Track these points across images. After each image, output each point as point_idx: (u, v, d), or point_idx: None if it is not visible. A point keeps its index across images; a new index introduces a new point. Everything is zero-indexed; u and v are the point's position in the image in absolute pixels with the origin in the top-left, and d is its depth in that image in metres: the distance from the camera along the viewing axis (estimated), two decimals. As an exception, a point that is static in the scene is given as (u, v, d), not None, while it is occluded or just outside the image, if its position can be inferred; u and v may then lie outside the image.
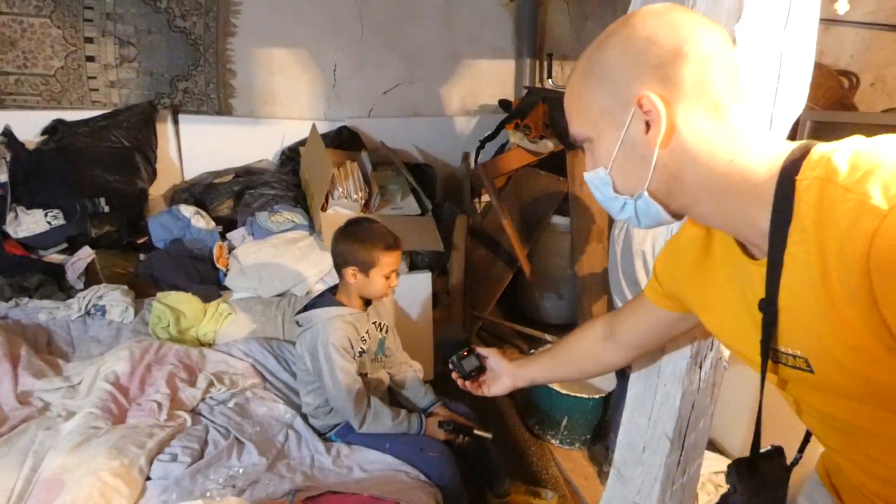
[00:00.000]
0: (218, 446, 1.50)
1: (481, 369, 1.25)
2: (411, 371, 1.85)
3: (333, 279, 2.25)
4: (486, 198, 3.47)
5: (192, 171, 2.87)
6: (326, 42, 3.06)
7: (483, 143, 2.93)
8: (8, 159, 2.23)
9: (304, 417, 1.72)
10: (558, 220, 2.91)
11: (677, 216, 0.70)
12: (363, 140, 3.02)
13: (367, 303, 1.70)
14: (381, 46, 3.16)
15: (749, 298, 0.68)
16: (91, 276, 2.16)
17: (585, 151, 0.72)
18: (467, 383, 1.25)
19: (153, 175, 2.72)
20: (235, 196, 2.62)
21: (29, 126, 2.57)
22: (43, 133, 2.61)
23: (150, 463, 1.40)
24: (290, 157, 2.89)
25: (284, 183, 2.65)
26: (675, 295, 0.87)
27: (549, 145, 2.69)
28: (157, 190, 2.79)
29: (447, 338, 1.33)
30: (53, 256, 2.26)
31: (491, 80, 3.45)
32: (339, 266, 1.61)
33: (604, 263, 2.90)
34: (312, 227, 2.48)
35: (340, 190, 2.44)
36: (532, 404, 2.27)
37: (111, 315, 1.97)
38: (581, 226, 2.86)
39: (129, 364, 1.70)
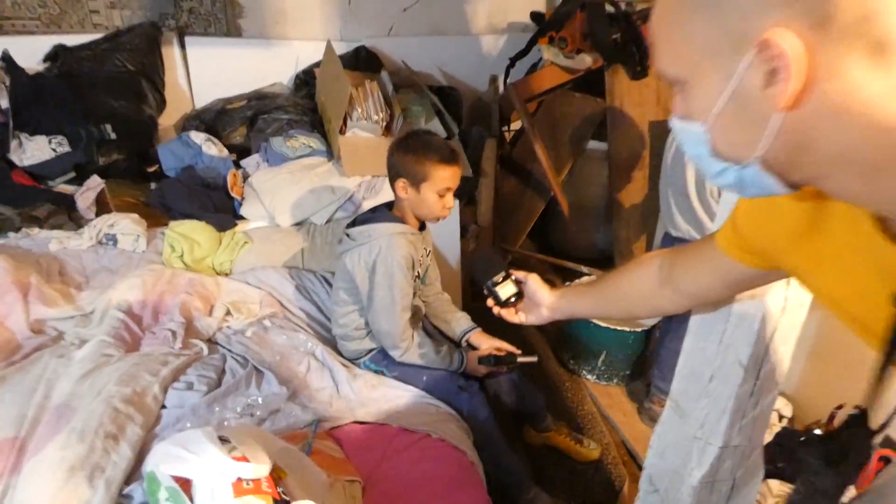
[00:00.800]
0: (236, 375, 1.41)
1: (518, 296, 1.12)
2: (446, 299, 1.73)
3: (353, 206, 2.12)
4: (515, 125, 3.25)
5: (203, 98, 2.70)
6: (340, -48, 2.79)
7: (513, 61, 2.68)
8: (8, 84, 2.09)
9: (331, 344, 1.63)
10: (595, 145, 2.69)
11: (795, 188, 0.52)
12: (383, 62, 2.80)
13: (422, 227, 1.56)
14: (399, -44, 2.88)
15: (887, 284, 0.52)
16: (102, 207, 2.06)
17: (675, 92, 0.53)
18: (502, 311, 1.13)
19: (162, 103, 2.57)
20: (248, 122, 2.46)
21: (29, 53, 2.41)
22: (45, 60, 2.46)
23: (165, 391, 1.31)
24: (306, 80, 2.70)
25: (300, 107, 2.48)
26: (764, 252, 0.71)
27: (586, 60, 2.44)
28: (168, 120, 2.64)
29: (482, 259, 1.18)
30: (63, 187, 2.16)
31: (521, -6, 3.14)
32: (392, 179, 1.49)
33: (644, 193, 2.69)
34: (331, 153, 2.32)
35: (359, 111, 2.25)
36: (567, 337, 2.15)
37: (123, 244, 1.87)
38: (620, 152, 2.64)
39: (142, 292, 1.60)
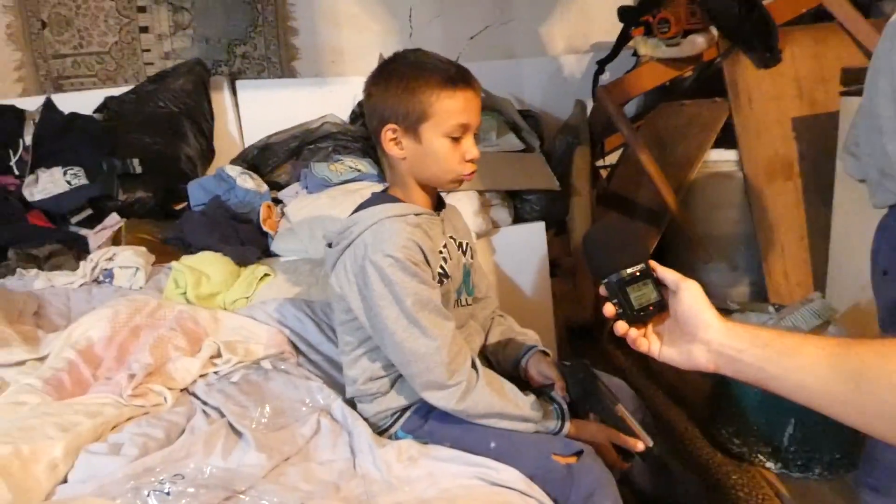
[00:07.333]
0: (195, 434, 0.89)
1: (660, 307, 0.70)
2: (508, 325, 1.16)
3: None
4: (609, 160, 2.74)
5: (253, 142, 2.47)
6: (398, -16, 2.59)
7: (601, 65, 2.22)
8: (36, 120, 1.93)
9: (353, 406, 1.08)
10: (720, 154, 2.09)
11: None
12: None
13: (438, 205, 1.06)
14: (463, -17, 2.64)
15: None
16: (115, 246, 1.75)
17: None
18: (630, 329, 0.69)
19: (207, 149, 2.34)
20: (293, 155, 2.14)
21: (82, 107, 2.31)
22: (95, 112, 2.34)
23: (76, 454, 0.82)
24: (362, 113, 2.39)
25: (350, 134, 2.14)
26: None
27: (697, 42, 1.92)
28: (215, 169, 2.41)
29: (612, 232, 0.76)
30: (84, 232, 1.90)
31: (604, 14, 2.76)
32: (376, 132, 0.98)
33: (801, 207, 2.01)
34: (382, 176, 1.91)
35: (414, 121, 1.85)
36: (727, 402, 1.42)
37: (119, 280, 1.50)
38: (757, 159, 2.02)
39: (110, 327, 1.17)
